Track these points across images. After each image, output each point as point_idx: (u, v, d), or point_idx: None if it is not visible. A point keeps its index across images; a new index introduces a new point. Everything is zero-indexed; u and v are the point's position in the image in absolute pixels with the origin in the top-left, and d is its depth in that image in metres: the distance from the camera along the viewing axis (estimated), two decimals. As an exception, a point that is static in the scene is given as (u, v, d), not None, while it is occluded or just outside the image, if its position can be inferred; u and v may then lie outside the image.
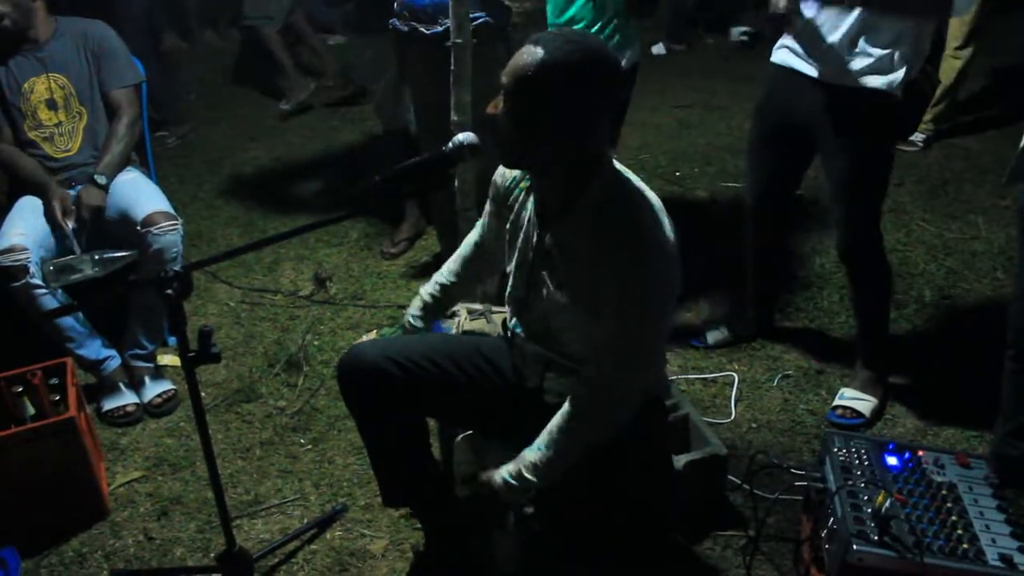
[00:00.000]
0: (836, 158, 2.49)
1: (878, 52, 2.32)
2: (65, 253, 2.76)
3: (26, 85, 2.86)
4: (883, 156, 2.48)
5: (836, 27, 2.36)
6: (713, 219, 3.88)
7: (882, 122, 2.42)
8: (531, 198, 1.81)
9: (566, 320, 1.77)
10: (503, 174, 1.91)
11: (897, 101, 2.37)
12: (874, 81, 2.35)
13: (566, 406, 1.72)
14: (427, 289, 2.15)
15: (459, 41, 2.58)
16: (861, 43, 2.33)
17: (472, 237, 2.13)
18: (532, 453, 1.74)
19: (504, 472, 1.77)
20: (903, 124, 2.49)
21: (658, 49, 6.21)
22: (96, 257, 2.63)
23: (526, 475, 1.73)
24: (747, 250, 2.96)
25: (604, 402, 1.70)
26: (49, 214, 2.76)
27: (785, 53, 2.55)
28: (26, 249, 2.64)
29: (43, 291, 2.63)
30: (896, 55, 2.32)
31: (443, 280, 2.14)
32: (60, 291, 2.67)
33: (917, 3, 2.24)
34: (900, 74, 2.33)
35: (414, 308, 2.15)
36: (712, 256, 3.23)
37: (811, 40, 2.43)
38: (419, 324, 2.13)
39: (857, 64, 2.35)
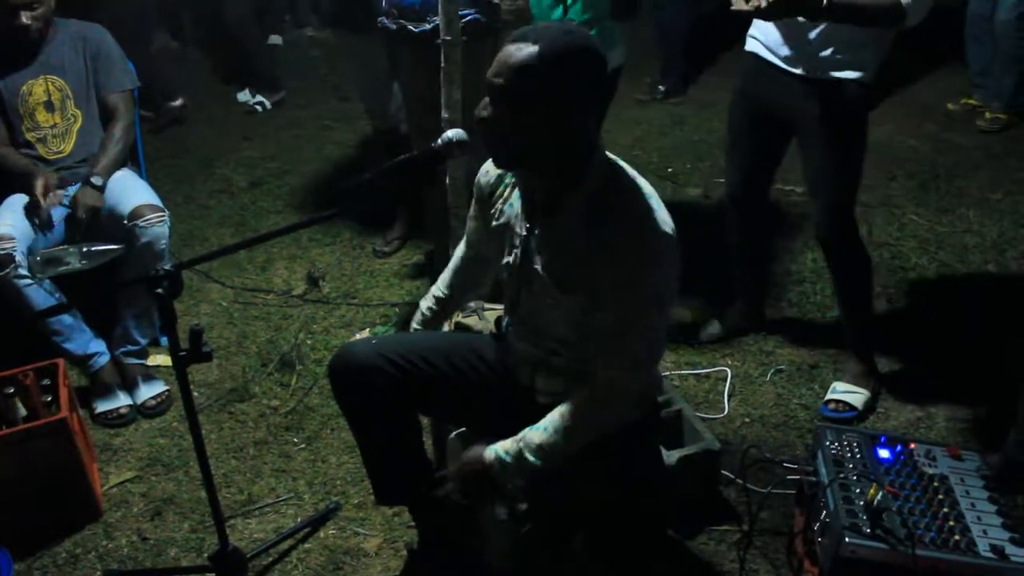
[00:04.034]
0: (816, 146, 2.52)
1: (850, 49, 2.36)
2: (50, 245, 2.76)
3: (24, 87, 2.86)
4: (860, 140, 2.51)
5: (810, 25, 2.37)
6: (705, 215, 3.88)
7: (859, 108, 2.47)
8: (516, 193, 1.81)
9: (559, 316, 1.77)
10: (486, 172, 1.90)
11: (870, 88, 2.42)
12: (850, 73, 2.39)
13: (573, 399, 1.70)
14: (426, 303, 2.17)
15: (448, 38, 2.58)
16: (835, 41, 2.36)
17: (460, 249, 2.13)
18: (537, 434, 1.70)
19: (500, 449, 1.73)
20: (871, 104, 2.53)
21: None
22: (84, 250, 2.62)
23: (527, 456, 1.69)
24: (732, 243, 2.98)
25: (610, 396, 1.69)
26: (30, 194, 2.75)
27: (757, 45, 2.57)
28: (13, 239, 2.63)
29: (28, 282, 2.62)
30: (867, 50, 2.37)
31: (438, 294, 2.15)
32: (47, 282, 2.66)
33: (873, 19, 2.26)
34: (873, 67, 2.39)
35: (416, 321, 2.17)
36: (704, 251, 3.23)
37: (783, 36, 2.46)
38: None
39: (832, 59, 2.39)
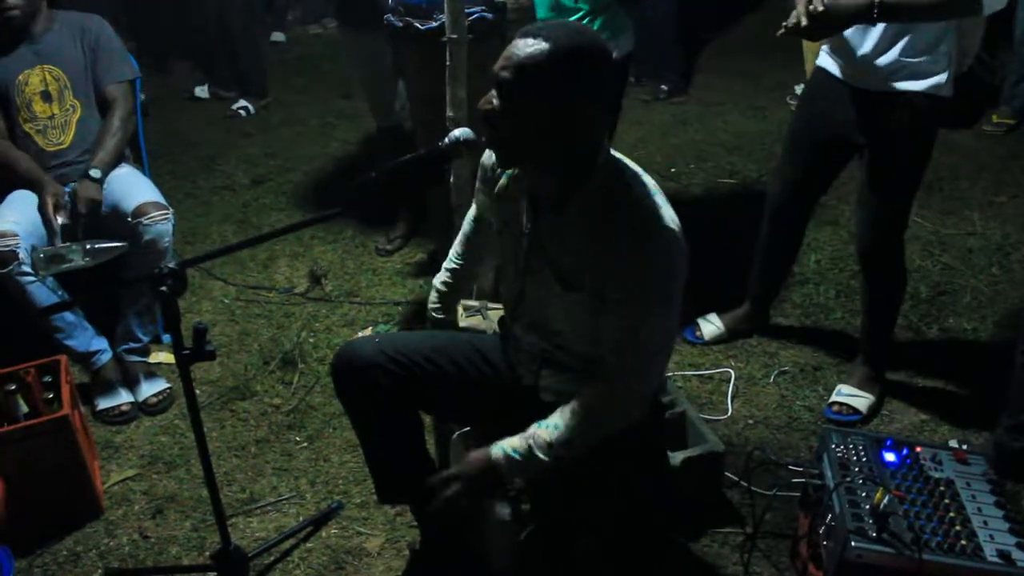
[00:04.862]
0: (876, 163, 2.43)
1: (915, 56, 2.28)
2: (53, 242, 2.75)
3: (21, 77, 2.85)
4: (923, 158, 2.42)
5: (867, 34, 2.32)
6: (708, 216, 3.87)
7: (924, 126, 2.36)
8: (519, 189, 1.80)
9: (564, 312, 1.76)
10: (490, 156, 1.88)
11: (945, 101, 2.31)
12: (915, 85, 2.30)
13: (582, 397, 1.68)
14: (439, 278, 2.16)
15: (454, 36, 2.57)
16: (896, 48, 2.29)
17: (471, 214, 2.10)
18: (547, 432, 1.68)
19: (507, 447, 1.71)
20: (962, 117, 2.43)
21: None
22: (87, 247, 2.61)
23: (538, 453, 1.67)
24: (760, 246, 2.91)
25: (619, 395, 1.68)
26: (42, 207, 2.74)
27: (826, 59, 2.51)
28: (16, 235, 2.62)
29: (31, 279, 2.61)
30: (937, 56, 2.28)
31: (451, 266, 2.14)
32: (50, 279, 2.66)
33: (937, 12, 2.17)
34: (944, 76, 2.28)
35: (432, 301, 2.16)
36: (707, 253, 3.21)
37: (846, 47, 2.39)
38: (440, 315, 2.16)
39: (893, 70, 2.31)
